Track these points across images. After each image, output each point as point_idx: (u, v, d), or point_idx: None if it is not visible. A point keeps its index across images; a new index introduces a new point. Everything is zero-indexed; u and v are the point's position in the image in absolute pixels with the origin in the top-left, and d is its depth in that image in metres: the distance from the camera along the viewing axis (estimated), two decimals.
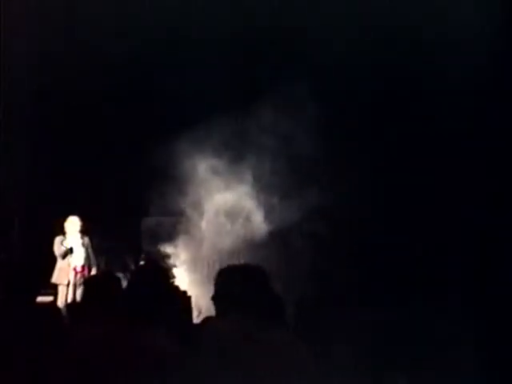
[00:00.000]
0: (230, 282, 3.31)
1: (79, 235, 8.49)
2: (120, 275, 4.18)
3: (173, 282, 7.24)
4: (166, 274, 3.80)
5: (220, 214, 9.26)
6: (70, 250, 8.34)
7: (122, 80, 9.26)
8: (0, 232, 8.91)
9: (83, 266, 8.43)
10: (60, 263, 8.39)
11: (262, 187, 9.18)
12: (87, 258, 8.51)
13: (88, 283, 4.07)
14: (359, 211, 8.75)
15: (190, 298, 6.92)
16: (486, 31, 8.57)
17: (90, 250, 8.57)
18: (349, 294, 5.27)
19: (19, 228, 9.48)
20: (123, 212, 9.21)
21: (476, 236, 8.22)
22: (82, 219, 8.54)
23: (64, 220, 8.53)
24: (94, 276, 6.91)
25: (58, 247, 8.37)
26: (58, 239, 8.42)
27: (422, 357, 4.00)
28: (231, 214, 9.26)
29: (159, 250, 9.16)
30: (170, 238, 9.25)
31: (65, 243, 8.37)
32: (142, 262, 8.64)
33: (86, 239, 8.57)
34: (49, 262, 8.32)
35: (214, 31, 9.02)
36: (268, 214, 9.11)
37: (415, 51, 9.01)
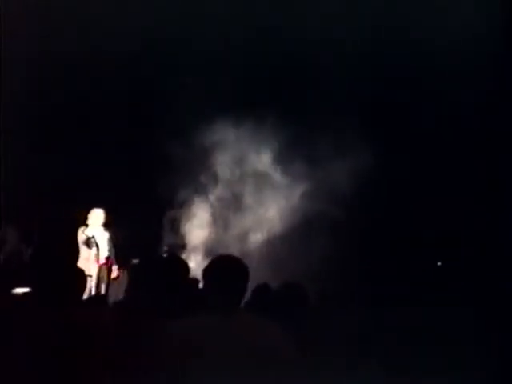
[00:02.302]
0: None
1: (102, 228, 8.66)
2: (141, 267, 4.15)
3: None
4: (187, 265, 3.78)
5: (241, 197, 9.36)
6: (95, 243, 8.45)
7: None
8: (24, 226, 8.91)
9: (107, 258, 8.59)
10: (83, 254, 8.48)
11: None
12: (110, 250, 8.67)
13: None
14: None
15: None
16: (486, 31, 8.63)
17: (112, 243, 8.71)
18: (357, 292, 5.28)
19: (43, 221, 9.54)
20: (146, 204, 9.21)
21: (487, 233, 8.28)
22: (106, 212, 8.69)
23: (87, 212, 8.66)
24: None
25: (80, 235, 8.50)
26: (80, 229, 8.56)
27: (426, 356, 4.00)
28: (253, 202, 9.31)
29: (181, 241, 9.14)
30: (192, 228, 9.31)
31: (86, 232, 8.49)
32: (164, 255, 8.64)
33: (109, 232, 8.72)
34: (73, 254, 8.39)
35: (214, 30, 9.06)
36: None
37: (415, 51, 9.07)
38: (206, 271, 3.32)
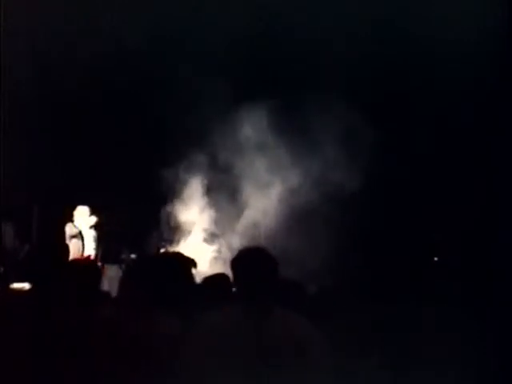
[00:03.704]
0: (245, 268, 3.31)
1: (88, 226, 8.67)
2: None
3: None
4: (189, 261, 3.77)
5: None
6: (81, 236, 8.50)
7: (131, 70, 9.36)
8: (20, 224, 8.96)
9: (89, 256, 8.59)
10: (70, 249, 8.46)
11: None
12: (96, 247, 8.71)
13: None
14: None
15: None
16: (487, 31, 8.64)
17: (98, 240, 8.75)
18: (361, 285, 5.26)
19: (38, 218, 9.61)
20: (144, 199, 9.24)
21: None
22: (93, 209, 8.69)
23: (73, 209, 8.68)
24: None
25: (67, 230, 8.54)
26: (67, 225, 8.60)
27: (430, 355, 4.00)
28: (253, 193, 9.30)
29: (177, 232, 9.19)
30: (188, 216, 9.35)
31: (72, 227, 8.56)
32: (162, 250, 8.69)
33: (96, 230, 8.74)
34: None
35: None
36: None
37: (416, 51, 9.10)
38: (235, 263, 3.32)
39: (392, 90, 9.23)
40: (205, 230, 9.37)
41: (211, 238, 9.32)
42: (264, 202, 9.30)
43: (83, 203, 8.71)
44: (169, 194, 9.18)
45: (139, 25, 9.10)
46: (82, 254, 8.48)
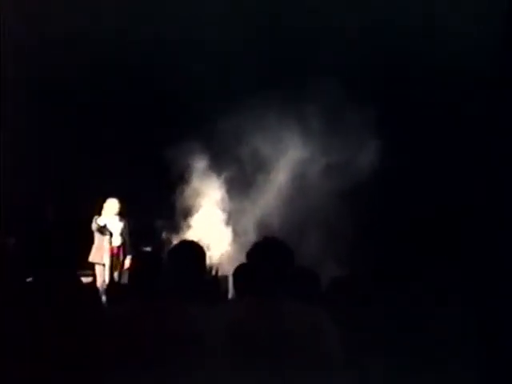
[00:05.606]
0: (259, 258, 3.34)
1: (117, 218, 8.80)
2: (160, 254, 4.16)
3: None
4: (204, 252, 3.76)
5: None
6: (109, 232, 8.67)
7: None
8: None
9: (119, 247, 8.77)
10: (97, 242, 8.73)
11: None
12: (123, 239, 8.81)
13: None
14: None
15: (227, 277, 6.93)
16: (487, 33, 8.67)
17: (126, 232, 8.86)
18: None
19: (55, 207, 9.87)
20: (160, 190, 9.31)
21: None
22: (120, 201, 8.81)
23: (103, 202, 8.81)
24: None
25: (93, 224, 8.70)
26: (94, 218, 8.73)
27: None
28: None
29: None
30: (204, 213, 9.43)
31: (98, 220, 8.67)
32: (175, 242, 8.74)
33: (124, 222, 8.88)
34: (87, 243, 8.58)
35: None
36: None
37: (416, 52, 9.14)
38: (250, 255, 3.35)
39: (392, 88, 9.25)
40: (218, 213, 9.43)
41: (225, 220, 9.32)
42: (276, 184, 9.34)
43: (104, 195, 8.87)
44: (178, 179, 9.27)
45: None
46: (111, 247, 8.62)
